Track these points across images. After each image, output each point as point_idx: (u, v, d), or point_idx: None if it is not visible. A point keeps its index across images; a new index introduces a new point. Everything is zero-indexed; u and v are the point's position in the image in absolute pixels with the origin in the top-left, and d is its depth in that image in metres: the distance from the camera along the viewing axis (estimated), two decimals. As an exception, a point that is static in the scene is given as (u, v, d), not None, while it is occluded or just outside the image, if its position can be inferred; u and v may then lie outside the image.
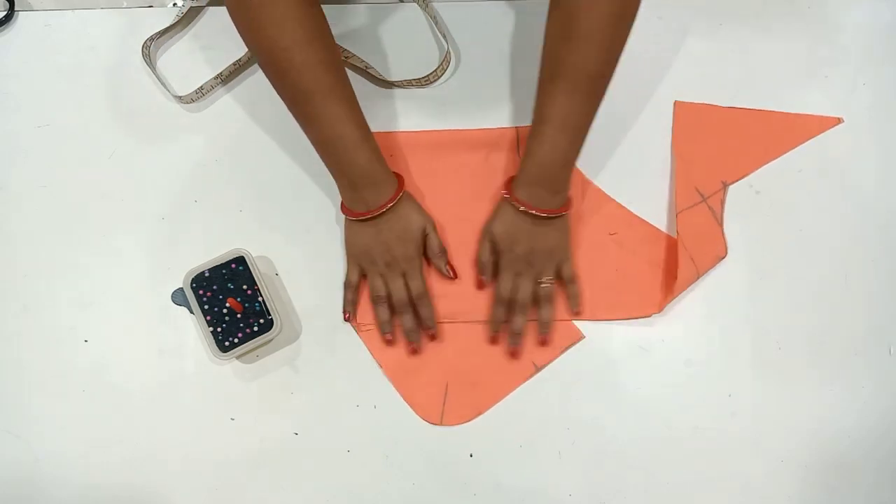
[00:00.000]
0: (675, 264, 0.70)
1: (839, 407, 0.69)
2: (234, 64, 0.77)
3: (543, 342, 0.70)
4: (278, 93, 0.64)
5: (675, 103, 0.77)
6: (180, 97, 0.76)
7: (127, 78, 0.77)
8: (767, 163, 0.75)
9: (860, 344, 0.71)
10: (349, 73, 0.73)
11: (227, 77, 0.77)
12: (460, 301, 0.72)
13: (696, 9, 0.79)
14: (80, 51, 0.78)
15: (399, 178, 0.69)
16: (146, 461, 0.68)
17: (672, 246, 0.72)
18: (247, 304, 0.67)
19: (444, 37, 0.78)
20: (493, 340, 0.70)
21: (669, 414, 0.69)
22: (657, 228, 0.73)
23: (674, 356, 0.70)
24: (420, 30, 0.79)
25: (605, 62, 0.62)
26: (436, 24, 0.78)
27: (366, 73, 0.77)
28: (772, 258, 0.73)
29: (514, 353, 0.69)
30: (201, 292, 0.67)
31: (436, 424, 0.69)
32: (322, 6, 0.64)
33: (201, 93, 0.76)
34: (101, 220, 0.74)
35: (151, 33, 0.77)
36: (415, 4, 0.80)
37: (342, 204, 0.69)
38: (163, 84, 0.76)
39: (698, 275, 0.71)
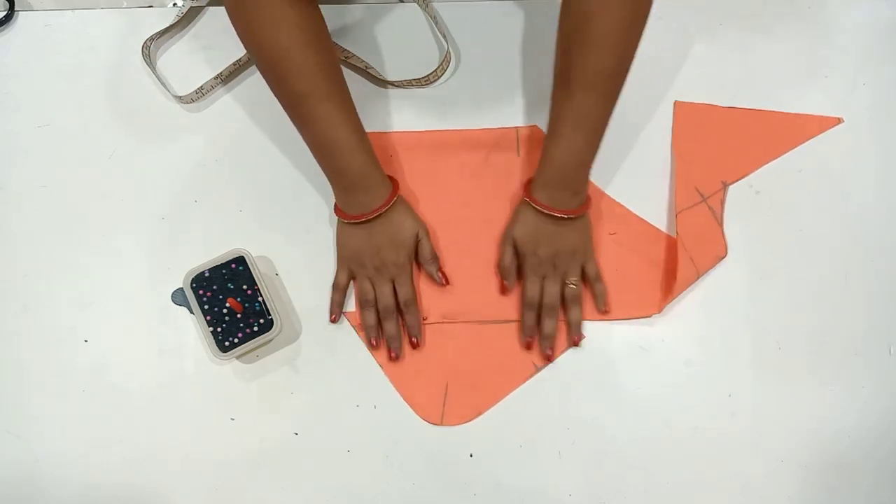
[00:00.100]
0: (674, 264, 0.70)
1: (839, 407, 0.69)
2: (234, 64, 0.77)
3: (576, 343, 0.69)
4: (275, 94, 0.64)
5: (675, 103, 0.77)
6: (180, 97, 0.76)
7: (127, 78, 0.77)
8: (767, 163, 0.75)
9: (860, 344, 0.71)
10: (348, 73, 0.74)
11: (227, 77, 0.77)
12: (460, 301, 0.71)
13: (696, 9, 0.79)
14: (80, 51, 0.78)
15: (394, 183, 0.69)
16: (146, 461, 0.68)
17: (672, 246, 0.72)
18: (247, 304, 0.67)
19: (444, 37, 0.78)
20: (528, 346, 0.70)
21: (669, 414, 0.69)
22: (657, 228, 0.73)
23: (674, 356, 0.70)
24: (420, 30, 0.79)
25: (619, 64, 0.62)
26: (436, 24, 0.78)
27: (365, 72, 0.77)
28: (772, 258, 0.73)
29: (549, 357, 0.69)
30: (201, 292, 0.67)
31: (436, 424, 0.69)
32: (322, 6, 0.64)
33: (201, 93, 0.76)
34: (101, 220, 0.74)
35: (151, 33, 0.77)
36: (415, 4, 0.80)
37: (336, 206, 0.69)
38: (163, 84, 0.76)
39: (698, 275, 0.71)
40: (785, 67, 0.78)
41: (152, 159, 0.75)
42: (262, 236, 0.73)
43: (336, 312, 0.70)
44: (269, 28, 0.60)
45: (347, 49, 0.77)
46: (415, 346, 0.70)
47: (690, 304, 0.71)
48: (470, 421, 0.69)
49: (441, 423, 0.69)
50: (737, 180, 0.74)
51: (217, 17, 0.80)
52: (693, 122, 0.76)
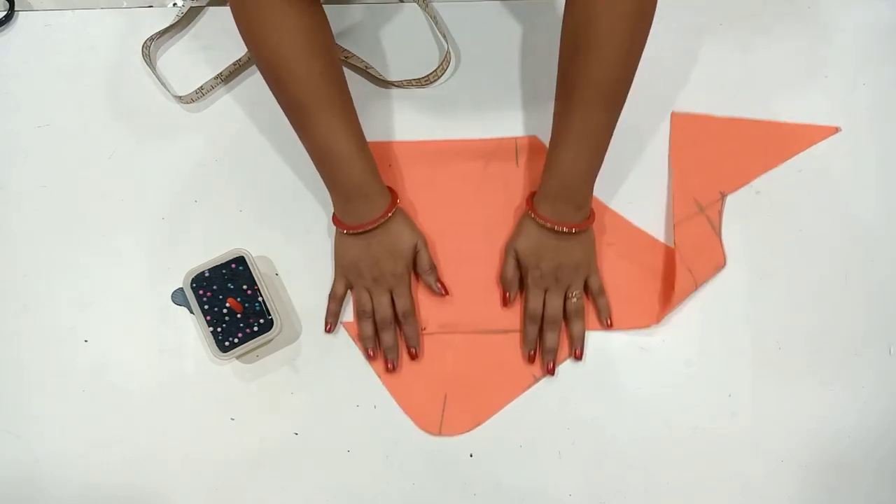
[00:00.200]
0: (673, 275, 0.70)
1: (839, 407, 0.69)
2: (234, 64, 0.77)
3: (578, 356, 0.69)
4: (276, 99, 0.64)
5: (672, 114, 0.76)
6: (180, 97, 0.76)
7: (127, 78, 0.77)
8: (765, 173, 0.75)
9: (860, 344, 0.71)
10: (348, 73, 0.73)
11: (227, 77, 0.77)
12: (459, 312, 0.71)
13: (696, 9, 0.79)
14: (80, 51, 0.78)
15: (393, 194, 0.69)
16: (146, 461, 0.68)
17: (670, 257, 0.72)
18: (247, 304, 0.67)
19: (444, 37, 0.78)
20: (531, 359, 0.69)
21: (669, 414, 0.69)
22: (655, 239, 0.73)
23: (674, 356, 0.70)
24: (420, 30, 0.79)
25: (623, 73, 0.61)
26: (436, 24, 0.78)
27: (366, 73, 0.77)
28: (772, 258, 0.73)
29: (550, 370, 0.69)
30: (201, 292, 0.67)
31: (434, 434, 0.69)
32: (323, 7, 0.64)
33: (201, 93, 0.76)
34: (101, 220, 0.74)
35: (151, 33, 0.77)
36: (415, 4, 0.80)
37: (334, 215, 0.69)
38: (163, 84, 0.76)
39: (696, 286, 0.70)
40: (785, 67, 0.78)
41: (152, 159, 0.75)
42: (262, 236, 0.73)
43: (331, 322, 0.70)
44: (271, 34, 0.60)
45: (347, 49, 0.77)
46: (413, 356, 0.70)
47: (690, 304, 0.71)
48: (468, 431, 0.69)
49: (440, 434, 0.69)
50: (734, 191, 0.74)
51: (217, 17, 0.80)
52: (690, 133, 0.76)
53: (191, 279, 0.67)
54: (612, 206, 0.74)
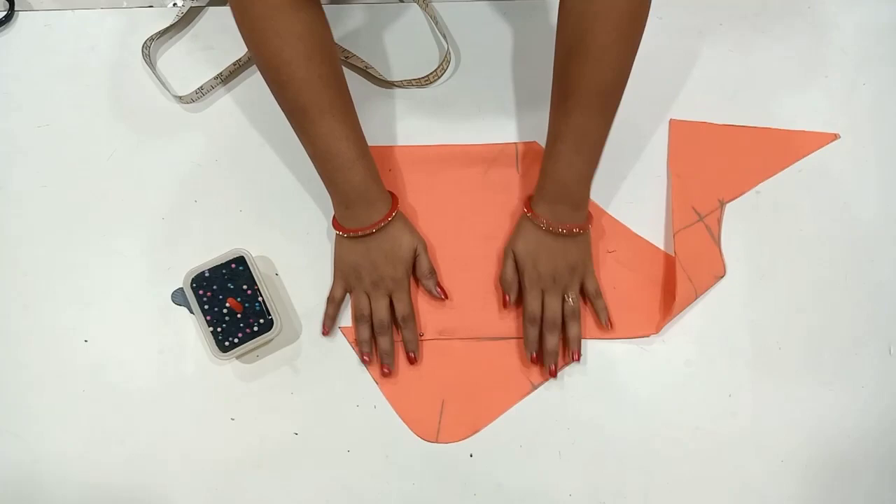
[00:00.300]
0: (673, 284, 0.70)
1: (839, 407, 0.69)
2: (234, 64, 0.77)
3: (576, 359, 0.69)
4: (278, 103, 0.64)
5: (671, 121, 0.76)
6: (180, 97, 0.76)
7: (127, 78, 0.77)
8: (764, 180, 0.74)
9: (860, 344, 0.71)
10: (348, 73, 0.73)
11: (227, 77, 0.77)
12: (457, 318, 0.71)
13: (696, 9, 0.79)
14: (80, 51, 0.78)
15: (393, 198, 0.69)
16: (146, 461, 0.68)
17: (670, 265, 0.71)
18: (247, 304, 0.67)
19: (444, 37, 0.78)
20: (535, 361, 0.69)
21: (669, 414, 0.69)
22: (655, 246, 0.73)
23: (674, 356, 0.70)
24: (420, 30, 0.79)
25: (618, 77, 0.61)
26: (436, 24, 0.78)
27: (366, 73, 0.77)
28: (772, 258, 0.73)
29: (552, 372, 0.68)
30: (201, 292, 0.67)
31: (431, 441, 0.68)
32: (323, 8, 0.64)
33: (201, 93, 0.76)
34: (101, 220, 0.74)
35: (151, 33, 0.77)
36: (415, 4, 0.80)
37: (334, 219, 0.69)
38: (163, 84, 0.76)
39: (696, 295, 0.70)
40: (785, 67, 0.78)
41: (152, 159, 0.75)
42: (262, 236, 0.73)
43: (329, 325, 0.70)
44: (272, 38, 0.60)
45: (348, 49, 0.77)
46: (412, 361, 0.70)
47: (691, 304, 0.71)
48: (465, 439, 0.68)
49: (437, 440, 0.68)
50: (734, 198, 0.74)
51: (217, 17, 0.80)
52: (689, 140, 0.75)
53: (191, 279, 0.67)
54: (611, 206, 0.74)
